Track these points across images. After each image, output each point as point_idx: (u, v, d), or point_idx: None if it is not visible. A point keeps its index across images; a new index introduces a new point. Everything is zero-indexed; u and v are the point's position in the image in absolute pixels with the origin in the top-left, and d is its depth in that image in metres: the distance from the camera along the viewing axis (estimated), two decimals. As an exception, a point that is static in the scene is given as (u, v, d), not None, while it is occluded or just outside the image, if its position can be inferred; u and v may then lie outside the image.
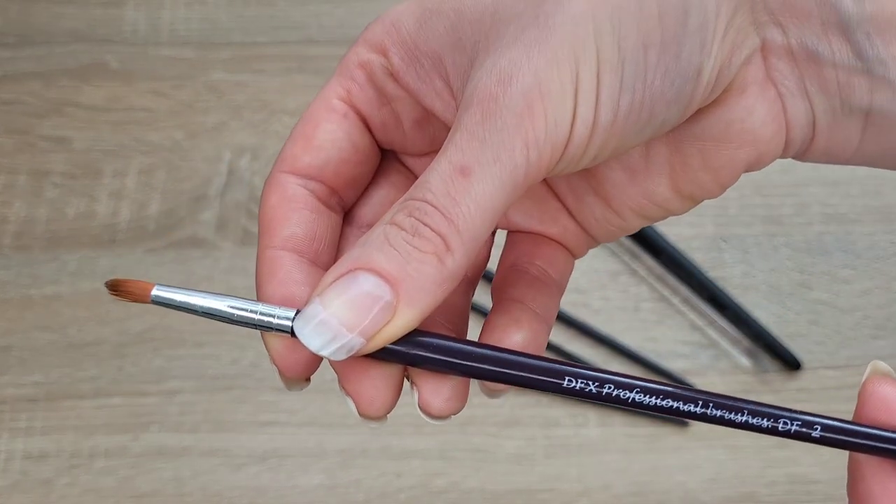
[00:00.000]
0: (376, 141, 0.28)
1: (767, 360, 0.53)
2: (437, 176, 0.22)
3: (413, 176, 0.29)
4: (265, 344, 0.25)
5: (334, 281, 0.22)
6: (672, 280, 0.55)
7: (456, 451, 0.51)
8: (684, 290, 0.55)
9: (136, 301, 0.24)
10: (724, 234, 0.57)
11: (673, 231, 0.56)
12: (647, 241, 0.55)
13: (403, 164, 0.29)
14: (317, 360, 0.25)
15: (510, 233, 0.30)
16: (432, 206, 0.22)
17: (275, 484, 0.50)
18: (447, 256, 0.22)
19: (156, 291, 0.24)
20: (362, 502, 0.50)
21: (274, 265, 0.25)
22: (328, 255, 0.26)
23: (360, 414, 0.24)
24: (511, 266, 0.28)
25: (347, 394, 0.24)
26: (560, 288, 0.28)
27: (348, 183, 0.27)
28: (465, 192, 0.22)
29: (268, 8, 0.65)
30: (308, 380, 0.26)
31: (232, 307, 0.24)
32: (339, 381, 0.25)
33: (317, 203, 0.26)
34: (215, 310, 0.24)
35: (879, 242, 0.57)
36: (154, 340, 0.54)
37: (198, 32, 0.64)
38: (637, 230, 0.29)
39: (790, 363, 0.53)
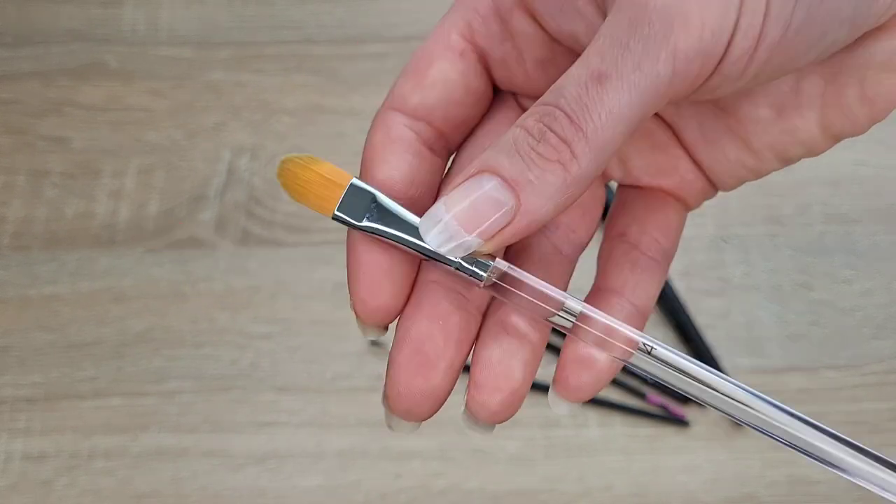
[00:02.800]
0: (493, 79, 0.27)
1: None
2: (572, 81, 0.21)
3: None
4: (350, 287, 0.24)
5: (462, 182, 0.22)
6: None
7: (456, 452, 0.51)
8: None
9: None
10: (725, 233, 0.57)
11: (673, 231, 0.56)
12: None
13: (522, 107, 0.28)
14: (396, 311, 0.24)
15: (620, 189, 0.29)
16: (562, 111, 0.21)
17: (274, 485, 0.50)
18: (572, 164, 0.21)
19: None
20: (362, 503, 0.49)
21: None
22: (426, 202, 0.25)
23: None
24: (620, 236, 0.27)
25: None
26: (669, 259, 0.27)
27: (457, 126, 0.26)
28: (598, 98, 0.21)
29: (267, 7, 0.65)
30: (386, 328, 0.25)
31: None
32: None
33: (420, 147, 0.25)
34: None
35: (880, 243, 0.57)
36: (153, 340, 0.54)
37: (197, 32, 0.64)
38: (768, 174, 0.27)
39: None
